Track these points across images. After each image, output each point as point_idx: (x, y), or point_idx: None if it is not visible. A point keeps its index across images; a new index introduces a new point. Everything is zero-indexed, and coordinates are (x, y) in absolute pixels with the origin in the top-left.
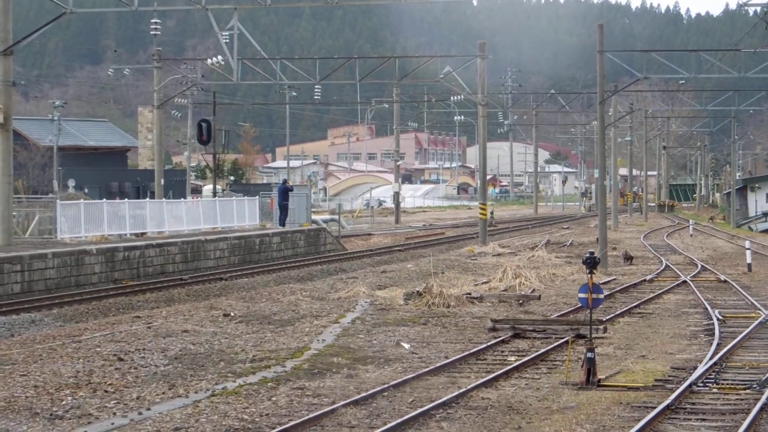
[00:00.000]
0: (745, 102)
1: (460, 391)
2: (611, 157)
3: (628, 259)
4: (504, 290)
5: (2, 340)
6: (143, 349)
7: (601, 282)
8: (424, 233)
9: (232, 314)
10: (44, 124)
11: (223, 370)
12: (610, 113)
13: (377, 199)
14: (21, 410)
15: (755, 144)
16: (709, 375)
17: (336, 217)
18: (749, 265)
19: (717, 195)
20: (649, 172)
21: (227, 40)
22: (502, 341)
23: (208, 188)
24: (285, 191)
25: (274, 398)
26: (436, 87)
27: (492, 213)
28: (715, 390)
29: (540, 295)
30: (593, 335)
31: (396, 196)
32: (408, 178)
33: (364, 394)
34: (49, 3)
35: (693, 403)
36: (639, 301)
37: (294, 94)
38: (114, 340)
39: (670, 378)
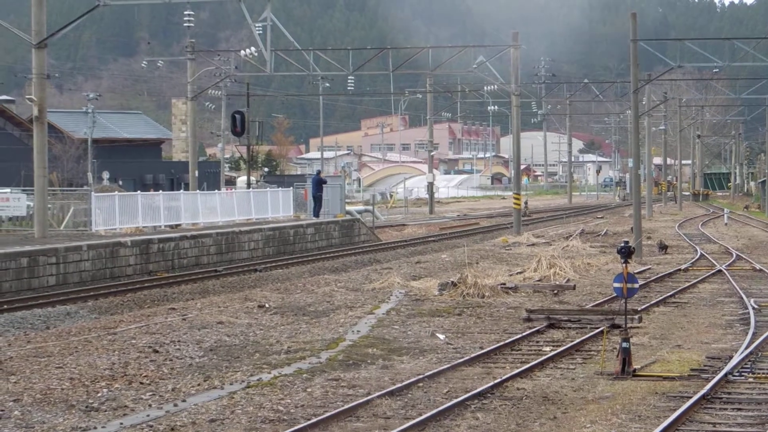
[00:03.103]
0: None
1: (496, 381)
2: (645, 147)
3: (663, 248)
4: (538, 280)
5: (38, 332)
6: (178, 341)
7: (636, 271)
8: (458, 223)
9: (266, 306)
10: (78, 116)
11: (258, 362)
12: (644, 102)
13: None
14: (57, 402)
15: None
16: (745, 364)
17: (370, 207)
18: None
19: (752, 183)
20: (684, 161)
21: (260, 32)
22: (537, 331)
23: (242, 180)
24: (319, 182)
25: (309, 389)
26: (469, 77)
27: (526, 203)
28: (751, 379)
29: (575, 285)
30: (628, 325)
31: (430, 187)
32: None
33: (399, 385)
34: None
35: (729, 393)
36: (674, 291)
37: (327, 85)
38: (149, 332)
39: (706, 368)
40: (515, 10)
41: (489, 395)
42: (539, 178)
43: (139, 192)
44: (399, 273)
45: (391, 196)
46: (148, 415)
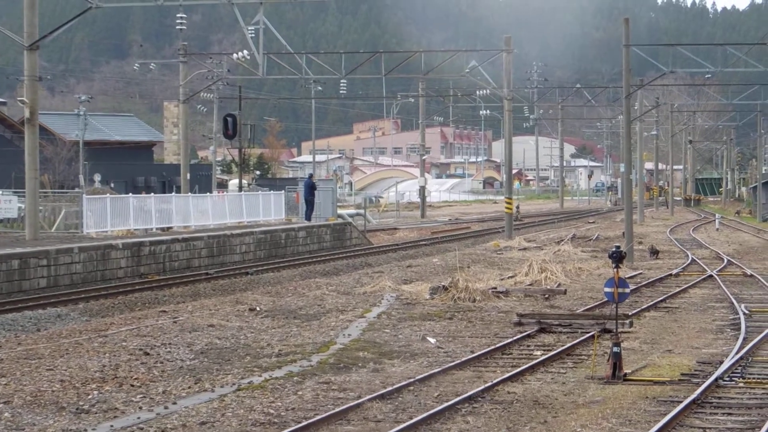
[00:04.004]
0: None
1: (486, 385)
2: (637, 152)
3: (654, 253)
4: (530, 285)
5: (29, 334)
6: (169, 344)
7: (627, 276)
8: (449, 227)
9: (257, 309)
10: (70, 118)
11: (248, 365)
12: (636, 107)
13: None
14: (47, 404)
15: None
16: (736, 369)
17: (362, 211)
18: None
19: (743, 189)
20: (675, 167)
21: (253, 35)
22: (528, 336)
23: (234, 183)
24: (311, 186)
25: (299, 392)
26: (461, 81)
27: (518, 207)
28: (741, 384)
29: (566, 290)
30: (619, 329)
31: (422, 191)
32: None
33: (389, 389)
34: None
35: (719, 398)
36: (665, 296)
37: (319, 88)
38: (140, 335)
39: (697, 372)
40: (508, 15)
41: (480, 399)
42: (531, 182)
43: (130, 194)
44: (390, 277)
45: (378, 200)
46: (138, 418)
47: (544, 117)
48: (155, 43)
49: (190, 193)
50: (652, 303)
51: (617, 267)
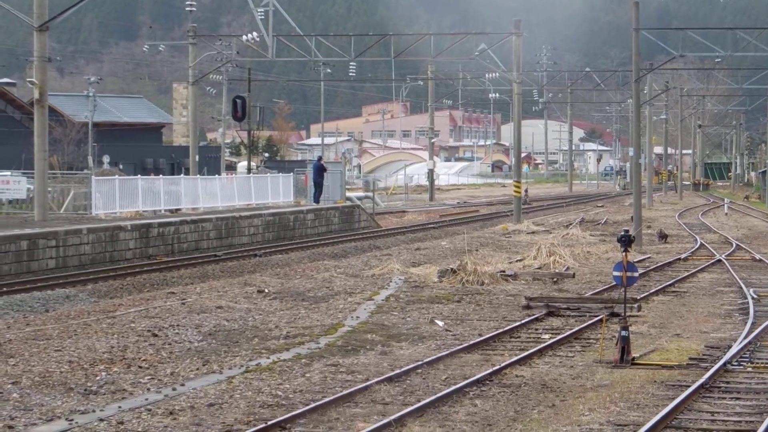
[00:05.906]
0: None
1: (494, 368)
2: (646, 136)
3: (663, 237)
4: (538, 268)
5: (37, 315)
6: (177, 325)
7: (635, 260)
8: (458, 211)
9: (266, 291)
10: (79, 100)
11: (257, 347)
12: (645, 91)
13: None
14: (56, 385)
15: None
16: (744, 354)
17: (370, 194)
18: None
19: (752, 174)
20: (684, 151)
21: (262, 17)
22: (536, 319)
23: (242, 165)
24: (320, 168)
25: (307, 375)
26: (470, 64)
27: (526, 191)
28: (749, 369)
29: (574, 273)
30: (627, 313)
31: (430, 174)
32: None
33: (397, 371)
34: None
35: (727, 382)
36: (673, 280)
37: (329, 71)
38: (148, 316)
39: (705, 357)
40: None
41: (488, 382)
42: (540, 166)
43: (139, 176)
44: (398, 259)
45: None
46: (146, 399)
47: (554, 101)
48: (164, 25)
49: (198, 175)
50: (660, 287)
51: (626, 251)
